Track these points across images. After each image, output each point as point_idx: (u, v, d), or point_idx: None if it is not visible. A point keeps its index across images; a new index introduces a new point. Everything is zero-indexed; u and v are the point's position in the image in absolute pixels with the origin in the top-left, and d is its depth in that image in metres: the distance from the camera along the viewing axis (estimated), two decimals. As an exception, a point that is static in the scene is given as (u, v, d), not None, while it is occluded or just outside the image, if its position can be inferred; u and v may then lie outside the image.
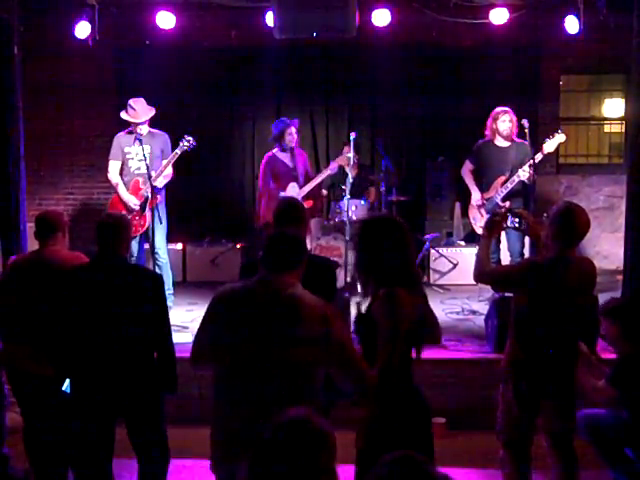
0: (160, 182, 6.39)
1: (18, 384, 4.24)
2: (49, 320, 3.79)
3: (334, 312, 3.00)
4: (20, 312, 4.09)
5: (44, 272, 4.04)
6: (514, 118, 6.59)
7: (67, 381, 3.74)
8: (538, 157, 6.38)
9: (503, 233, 6.48)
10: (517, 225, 4.28)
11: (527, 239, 6.44)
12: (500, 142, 6.68)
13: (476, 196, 6.75)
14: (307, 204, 6.94)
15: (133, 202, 6.45)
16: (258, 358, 2.93)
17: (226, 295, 3.08)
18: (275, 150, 7.05)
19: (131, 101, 6.44)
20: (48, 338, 3.82)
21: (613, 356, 4.04)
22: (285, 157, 7.00)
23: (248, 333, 2.96)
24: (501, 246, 6.86)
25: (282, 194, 6.86)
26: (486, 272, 3.90)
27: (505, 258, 6.85)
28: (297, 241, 3.13)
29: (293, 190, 6.94)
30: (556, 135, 6.49)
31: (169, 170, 6.45)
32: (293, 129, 6.96)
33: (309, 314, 2.93)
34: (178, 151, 6.38)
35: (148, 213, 6.34)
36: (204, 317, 3.12)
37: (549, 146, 6.47)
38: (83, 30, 6.77)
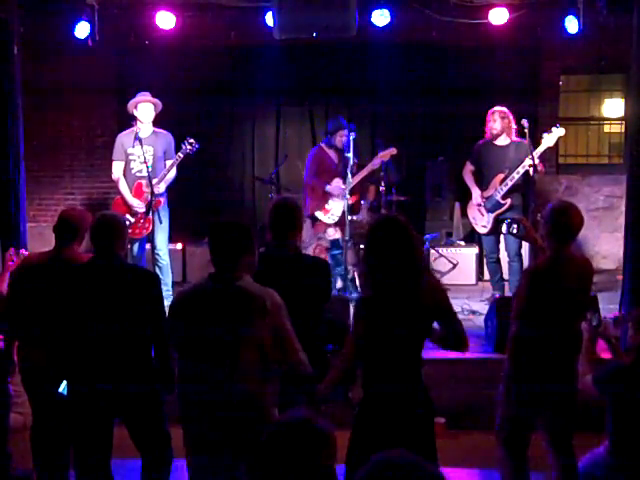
0: (162, 187, 6.38)
1: (32, 382, 4.21)
2: (54, 320, 3.80)
3: (274, 302, 3.16)
4: (36, 311, 4.07)
5: (63, 272, 4.03)
6: (509, 116, 6.58)
7: (64, 383, 3.73)
8: (538, 152, 6.37)
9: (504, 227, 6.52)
10: (515, 232, 4.33)
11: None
12: (499, 141, 6.68)
13: (476, 195, 6.75)
14: (352, 199, 6.90)
15: (137, 205, 6.43)
16: (208, 349, 3.14)
17: (180, 296, 3.35)
18: (323, 144, 7.14)
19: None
20: (50, 338, 3.83)
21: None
22: (331, 153, 7.05)
23: (200, 327, 3.16)
24: (500, 246, 6.87)
25: (327, 188, 7.00)
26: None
27: (503, 258, 6.86)
28: (238, 230, 3.29)
29: (337, 185, 6.99)
30: (554, 129, 6.48)
31: (172, 173, 6.44)
32: (345, 131, 6.95)
33: (251, 305, 3.12)
34: (181, 154, 6.37)
35: (154, 216, 6.32)
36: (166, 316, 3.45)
37: (549, 140, 6.46)
38: (83, 30, 6.76)
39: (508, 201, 6.54)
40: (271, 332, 3.11)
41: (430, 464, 1.85)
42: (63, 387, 3.73)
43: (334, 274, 6.95)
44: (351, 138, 6.70)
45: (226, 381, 3.11)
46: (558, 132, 6.47)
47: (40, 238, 7.53)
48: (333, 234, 7.15)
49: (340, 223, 7.01)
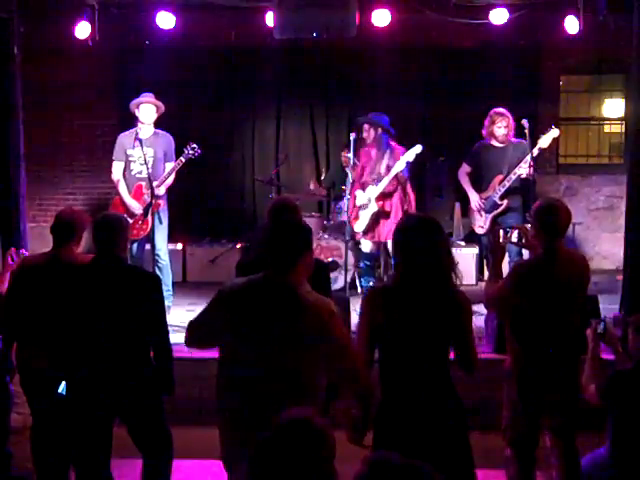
0: (162, 190, 6.37)
1: (31, 383, 4.20)
2: (53, 321, 3.79)
3: (333, 312, 2.99)
4: (35, 312, 4.06)
5: (61, 273, 4.02)
6: (511, 121, 6.57)
7: (63, 383, 3.73)
8: (534, 153, 6.38)
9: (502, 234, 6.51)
10: (514, 240, 4.35)
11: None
12: (497, 142, 6.67)
13: (474, 198, 6.73)
14: (380, 205, 6.65)
15: (135, 207, 6.41)
16: (259, 356, 2.93)
17: (230, 290, 3.07)
18: None
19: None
20: (49, 338, 3.83)
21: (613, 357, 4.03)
22: (371, 151, 6.78)
23: (249, 330, 2.96)
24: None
25: (357, 192, 6.80)
26: (488, 299, 3.97)
27: (504, 258, 6.84)
28: (302, 233, 3.08)
29: (369, 189, 6.74)
30: (550, 130, 6.48)
31: (171, 178, 6.44)
32: (366, 126, 6.78)
33: (309, 313, 2.93)
34: (183, 159, 6.34)
35: (150, 217, 6.30)
36: (207, 307, 3.13)
37: (543, 141, 6.45)
38: (83, 30, 6.76)
39: (505, 202, 6.52)
40: (325, 345, 2.93)
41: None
42: (62, 387, 3.72)
43: (362, 286, 6.80)
44: (351, 138, 6.67)
45: (266, 394, 2.90)
46: (552, 133, 6.47)
47: (40, 238, 7.53)
48: (366, 246, 6.81)
49: (369, 232, 6.74)
